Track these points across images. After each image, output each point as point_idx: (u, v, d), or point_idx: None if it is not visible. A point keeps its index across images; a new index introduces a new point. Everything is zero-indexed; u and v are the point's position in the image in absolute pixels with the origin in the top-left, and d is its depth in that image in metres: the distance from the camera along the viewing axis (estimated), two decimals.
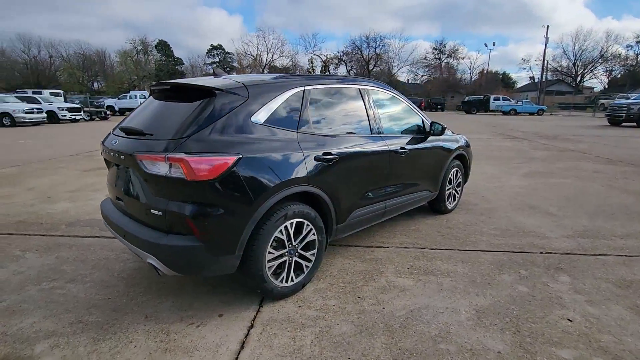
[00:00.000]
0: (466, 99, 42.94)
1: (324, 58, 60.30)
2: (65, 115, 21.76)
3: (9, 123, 18.78)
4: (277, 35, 75.03)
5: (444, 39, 72.48)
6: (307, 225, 2.59)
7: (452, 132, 4.78)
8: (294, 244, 2.53)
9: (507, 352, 2.04)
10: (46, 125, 20.12)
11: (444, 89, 56.20)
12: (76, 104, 24.28)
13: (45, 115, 20.36)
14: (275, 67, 58.49)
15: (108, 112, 26.16)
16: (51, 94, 25.54)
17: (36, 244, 3.52)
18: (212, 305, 2.49)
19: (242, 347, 2.09)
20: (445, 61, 62.50)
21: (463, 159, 4.60)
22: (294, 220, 2.48)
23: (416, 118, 3.82)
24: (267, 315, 2.38)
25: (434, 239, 3.65)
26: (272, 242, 2.38)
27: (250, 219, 2.21)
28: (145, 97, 25.62)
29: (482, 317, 2.35)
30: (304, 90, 2.69)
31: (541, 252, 3.35)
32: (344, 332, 2.21)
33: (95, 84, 60.57)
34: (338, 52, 60.07)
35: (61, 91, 29.15)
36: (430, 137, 3.88)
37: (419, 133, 3.79)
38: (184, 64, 56.82)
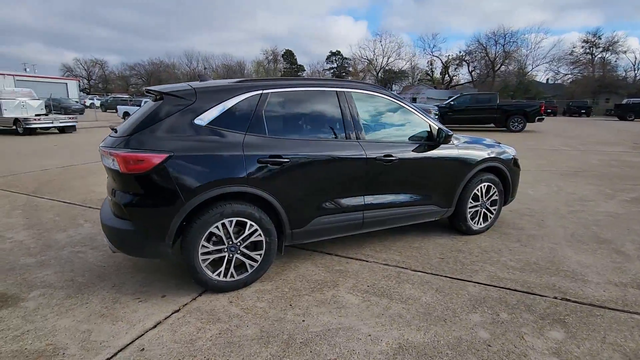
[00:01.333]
0: (624, 101, 34.52)
1: (444, 59, 56.74)
2: None
3: None
4: (393, 38, 73.91)
5: (598, 30, 59.59)
6: (252, 225, 2.65)
7: (496, 142, 4.10)
8: (234, 241, 2.63)
9: None
10: None
11: (594, 90, 46.40)
12: None
13: None
14: (391, 71, 57.93)
15: None
16: None
17: (97, 216, 4.46)
18: (166, 286, 2.79)
19: (154, 326, 2.31)
20: (599, 56, 51.50)
21: (500, 173, 3.88)
22: (234, 219, 2.58)
23: (419, 125, 3.42)
24: (197, 305, 2.55)
25: (427, 261, 3.22)
26: (207, 237, 2.53)
27: (177, 213, 2.41)
28: None
29: (399, 355, 2.04)
30: (261, 94, 2.76)
31: (555, 298, 2.62)
32: (246, 334, 2.22)
33: None
34: (460, 52, 55.64)
35: None
36: (442, 146, 3.43)
37: (425, 141, 3.40)
38: (304, 70, 61.35)
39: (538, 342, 2.14)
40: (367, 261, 3.23)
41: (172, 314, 2.44)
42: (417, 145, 3.35)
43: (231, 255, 2.65)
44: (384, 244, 3.60)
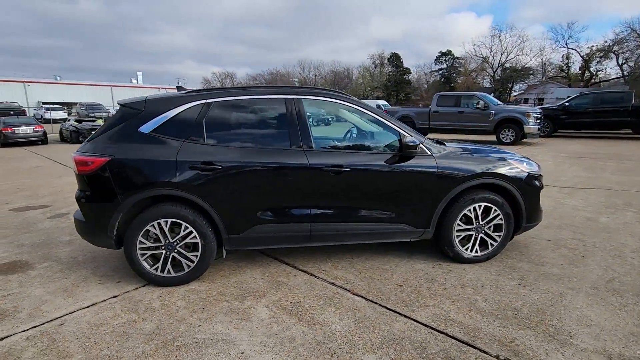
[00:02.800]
0: None
1: (584, 51, 47.53)
2: None
3: None
4: (516, 31, 64.96)
5: None
6: (186, 227, 2.81)
7: (510, 153, 3.41)
8: (170, 240, 2.83)
9: None
10: None
11: None
12: None
13: None
14: (512, 69, 51.39)
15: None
16: None
17: None
18: (127, 274, 3.16)
19: (88, 306, 2.66)
20: None
21: (506, 193, 3.18)
22: (169, 220, 2.79)
23: (381, 133, 3.06)
24: (133, 294, 2.83)
25: (380, 286, 2.87)
26: (144, 234, 2.79)
27: (116, 210, 2.73)
28: (383, 106, 28.86)
29: None
30: (204, 103, 2.90)
31: (496, 357, 2.05)
32: (142, 329, 2.38)
33: None
34: (607, 42, 45.73)
35: None
36: (417, 157, 3.01)
37: (389, 150, 3.03)
38: (410, 73, 59.25)
39: None
40: (315, 276, 3.05)
41: (110, 298, 2.77)
42: (378, 154, 3.02)
43: (168, 253, 2.85)
44: (352, 261, 3.33)
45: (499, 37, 51.78)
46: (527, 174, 3.24)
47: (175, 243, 2.85)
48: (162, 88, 51.17)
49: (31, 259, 3.54)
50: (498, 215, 3.19)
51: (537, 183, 3.30)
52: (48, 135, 16.83)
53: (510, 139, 12.21)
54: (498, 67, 51.39)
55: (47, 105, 31.92)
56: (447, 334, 2.26)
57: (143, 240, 2.80)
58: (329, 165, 2.90)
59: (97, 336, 2.30)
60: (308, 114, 3.00)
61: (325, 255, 3.45)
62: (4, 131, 15.23)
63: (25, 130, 15.59)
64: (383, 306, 2.59)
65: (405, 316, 2.46)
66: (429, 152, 3.08)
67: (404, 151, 2.92)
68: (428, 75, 58.99)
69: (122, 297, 2.79)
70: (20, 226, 4.56)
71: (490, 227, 3.22)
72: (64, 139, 17.57)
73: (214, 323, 2.42)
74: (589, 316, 2.43)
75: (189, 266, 2.90)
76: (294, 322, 2.42)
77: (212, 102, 2.93)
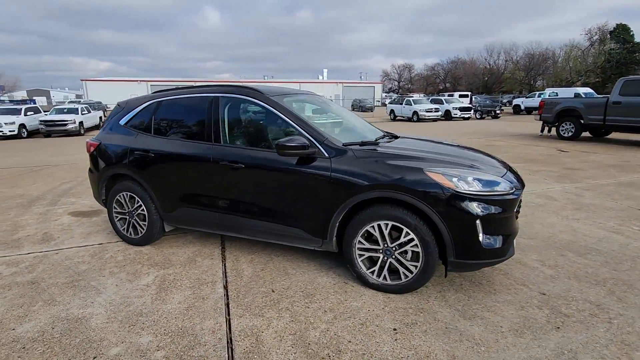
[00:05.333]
0: None
1: None
2: (456, 114, 25.52)
3: (415, 119, 25.17)
4: None
5: None
6: (138, 200, 3.56)
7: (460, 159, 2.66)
8: (130, 209, 3.64)
9: None
10: (441, 121, 24.58)
11: None
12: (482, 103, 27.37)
13: (439, 113, 25.02)
14: None
15: (498, 112, 27.00)
16: (460, 95, 30.26)
17: None
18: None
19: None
20: None
21: (424, 213, 2.45)
22: (127, 193, 3.59)
23: (284, 133, 2.87)
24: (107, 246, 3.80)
25: (256, 288, 2.82)
26: (117, 201, 3.69)
27: (100, 181, 3.72)
28: (585, 95, 23.30)
29: None
30: (157, 102, 3.51)
31: None
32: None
33: (539, 82, 60.88)
34: None
35: (469, 92, 33.46)
36: (319, 159, 2.73)
37: (289, 150, 2.79)
38: None
39: None
40: (224, 262, 3.25)
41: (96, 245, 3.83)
42: (274, 153, 2.87)
43: (130, 218, 3.67)
44: (271, 258, 3.32)
45: None
46: (451, 192, 2.39)
47: (133, 212, 3.63)
48: (340, 82, 56.09)
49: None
50: (412, 240, 2.51)
51: (475, 208, 2.38)
52: None
53: None
54: None
55: None
56: (231, 344, 2.14)
57: (116, 206, 3.71)
58: (227, 160, 3.02)
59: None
60: (226, 110, 3.17)
61: (263, 247, 3.54)
62: None
63: None
64: (227, 303, 2.61)
65: (237, 317, 2.43)
66: (326, 154, 2.72)
67: (278, 151, 2.69)
68: None
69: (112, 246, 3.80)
70: None
71: (404, 253, 2.57)
72: None
73: (106, 277, 3.06)
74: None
75: (141, 232, 3.63)
76: (152, 291, 2.78)
77: (161, 100, 3.52)
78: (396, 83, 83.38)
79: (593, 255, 3.25)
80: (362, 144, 2.91)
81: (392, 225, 2.55)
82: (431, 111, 24.71)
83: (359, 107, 41.93)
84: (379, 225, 2.59)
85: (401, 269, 2.61)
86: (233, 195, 3.11)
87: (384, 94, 66.65)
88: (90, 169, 3.93)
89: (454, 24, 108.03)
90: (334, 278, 2.93)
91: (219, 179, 3.11)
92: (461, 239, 2.42)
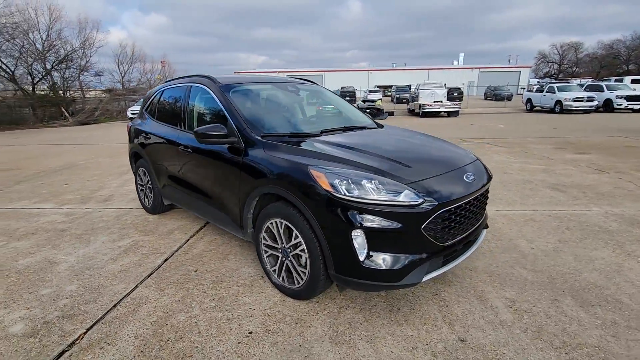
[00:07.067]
0: None
1: None
2: (620, 105, 19.93)
3: (558, 110, 20.79)
4: None
5: None
6: (145, 173, 4.20)
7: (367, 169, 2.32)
8: (144, 182, 4.32)
9: None
10: (598, 113, 19.72)
11: None
12: None
13: (595, 103, 19.95)
14: None
15: None
16: (633, 81, 23.36)
17: None
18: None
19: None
20: None
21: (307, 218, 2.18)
22: (142, 169, 4.27)
23: (224, 121, 2.86)
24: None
25: (187, 264, 3.03)
26: (138, 176, 4.42)
27: (129, 151, 4.50)
28: None
29: None
30: (161, 91, 4.00)
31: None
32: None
33: None
34: None
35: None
36: (251, 149, 2.71)
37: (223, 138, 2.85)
38: None
39: None
40: (190, 236, 3.55)
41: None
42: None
43: (145, 190, 4.35)
44: (226, 236, 3.46)
45: None
46: (329, 195, 2.02)
47: (146, 185, 4.28)
48: (476, 68, 50.12)
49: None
50: (300, 244, 2.27)
51: (356, 217, 1.97)
52: None
53: None
54: None
55: (369, 89, 40.34)
56: (114, 308, 2.41)
57: (138, 179, 4.44)
58: (182, 145, 3.27)
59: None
60: (191, 98, 3.40)
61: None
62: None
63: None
64: (151, 274, 2.89)
65: (144, 287, 2.71)
66: (242, 145, 2.64)
67: (196, 138, 2.71)
68: None
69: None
70: None
71: (296, 256, 2.35)
72: None
73: (105, 234, 3.73)
74: None
75: (150, 203, 4.27)
76: (117, 252, 3.29)
77: (163, 90, 3.99)
78: (556, 66, 69.57)
79: None
80: (292, 135, 2.73)
81: (286, 224, 2.35)
82: (581, 100, 19.88)
83: (493, 95, 36.91)
84: (276, 223, 2.43)
85: (294, 273, 2.40)
86: (189, 177, 3.36)
87: (537, 80, 56.55)
88: (129, 147, 4.79)
89: None
90: (256, 271, 2.89)
91: (182, 161, 3.40)
92: (339, 251, 2.07)
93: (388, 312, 2.32)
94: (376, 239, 2.01)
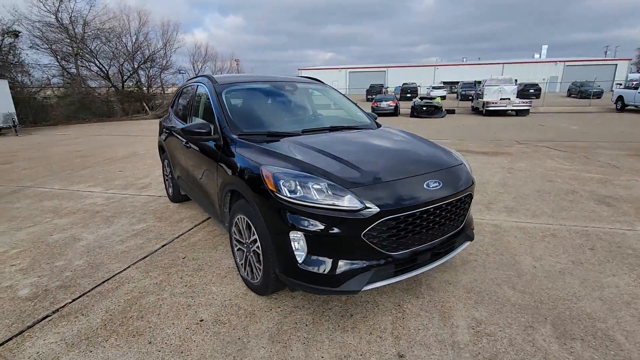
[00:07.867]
0: None
1: None
2: None
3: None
4: None
5: None
6: (167, 165, 4.60)
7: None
8: (166, 173, 4.73)
9: None
10: None
11: None
12: None
13: None
14: None
15: None
16: None
17: None
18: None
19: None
20: None
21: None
22: (165, 160, 4.68)
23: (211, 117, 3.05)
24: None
25: (179, 249, 3.27)
26: (164, 167, 4.86)
27: (159, 139, 4.96)
28: None
29: None
30: (181, 90, 4.33)
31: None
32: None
33: None
34: None
35: None
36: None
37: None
38: None
39: None
40: (195, 224, 3.82)
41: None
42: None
43: (167, 179, 4.76)
44: (207, 234, 3.65)
45: None
46: (272, 195, 2.04)
47: (168, 175, 4.68)
48: (561, 61, 44.62)
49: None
50: (256, 240, 2.33)
51: (296, 218, 1.97)
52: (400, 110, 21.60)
53: None
54: None
55: (433, 85, 38.31)
56: (102, 285, 2.71)
57: (164, 169, 4.87)
58: (184, 140, 3.51)
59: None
60: (197, 96, 3.63)
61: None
62: (373, 105, 21.33)
63: (383, 104, 20.94)
64: (145, 257, 3.17)
65: (135, 268, 3.00)
66: (221, 142, 2.77)
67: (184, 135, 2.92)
68: None
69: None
70: None
71: (255, 252, 2.41)
72: (413, 114, 21.62)
73: (127, 218, 4.17)
74: None
75: (171, 192, 4.66)
76: (129, 234, 3.67)
77: (183, 88, 4.30)
78: None
79: None
80: (270, 134, 2.79)
81: (247, 221, 2.42)
82: None
83: (578, 91, 32.67)
84: (241, 219, 2.51)
85: (254, 269, 2.47)
86: (190, 170, 3.61)
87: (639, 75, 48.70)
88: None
89: None
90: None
91: (186, 155, 3.65)
92: (281, 251, 2.08)
93: (339, 317, 2.28)
94: (316, 243, 1.99)
